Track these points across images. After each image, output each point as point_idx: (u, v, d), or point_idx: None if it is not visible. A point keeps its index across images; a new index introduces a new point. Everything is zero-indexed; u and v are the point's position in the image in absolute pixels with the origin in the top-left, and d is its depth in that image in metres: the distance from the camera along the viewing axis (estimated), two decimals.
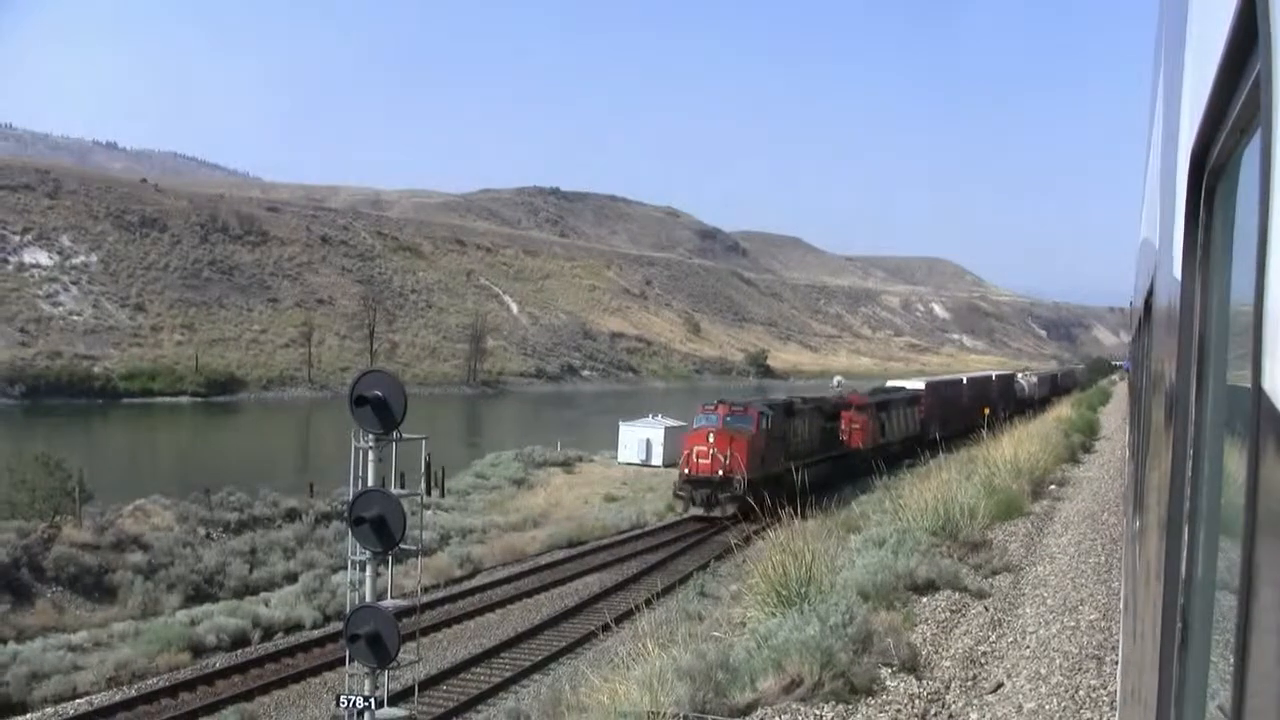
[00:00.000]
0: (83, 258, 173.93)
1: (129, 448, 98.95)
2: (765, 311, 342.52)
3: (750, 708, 12.07)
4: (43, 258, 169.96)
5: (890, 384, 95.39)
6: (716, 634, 16.90)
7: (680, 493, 51.90)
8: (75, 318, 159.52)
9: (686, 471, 51.60)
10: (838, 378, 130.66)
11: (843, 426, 65.21)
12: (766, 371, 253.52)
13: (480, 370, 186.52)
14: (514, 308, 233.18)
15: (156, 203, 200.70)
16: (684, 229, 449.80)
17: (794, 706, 11.89)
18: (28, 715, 25.22)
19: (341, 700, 17.24)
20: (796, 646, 12.75)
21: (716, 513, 49.84)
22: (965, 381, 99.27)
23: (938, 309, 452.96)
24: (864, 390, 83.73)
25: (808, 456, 55.07)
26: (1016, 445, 36.50)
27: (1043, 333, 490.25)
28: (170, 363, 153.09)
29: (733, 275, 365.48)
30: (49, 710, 25.28)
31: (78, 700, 26.47)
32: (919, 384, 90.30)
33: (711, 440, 50.90)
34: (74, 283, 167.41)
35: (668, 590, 34.80)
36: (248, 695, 26.48)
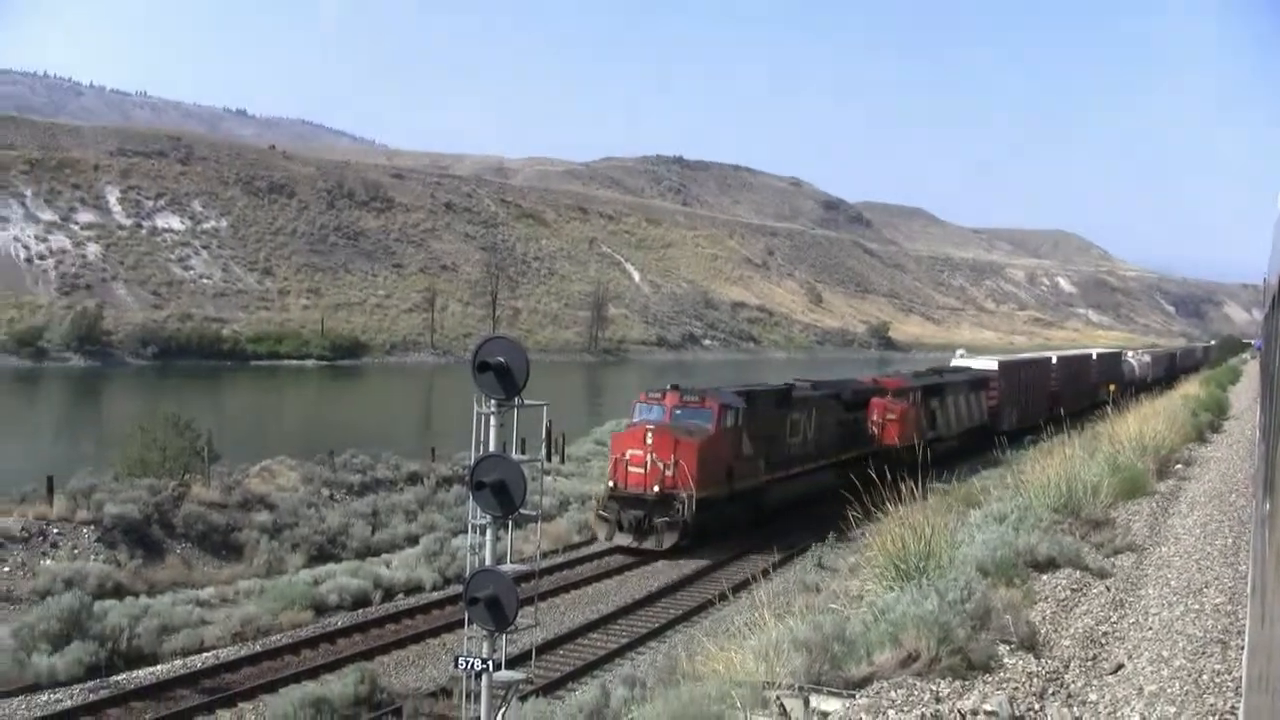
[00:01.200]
0: (213, 223, 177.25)
1: (256, 409, 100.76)
2: (888, 283, 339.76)
3: (866, 681, 12.03)
4: (175, 223, 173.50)
5: (956, 362, 79.38)
6: (834, 606, 16.86)
7: (604, 513, 38.27)
8: (205, 281, 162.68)
9: (613, 484, 38.34)
10: (960, 350, 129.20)
11: (873, 418, 53.75)
12: (888, 344, 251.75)
13: (601, 338, 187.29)
14: (636, 276, 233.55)
15: (285, 169, 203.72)
16: (807, 199, 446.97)
17: (910, 681, 11.83)
18: (158, 666, 25.80)
19: (460, 662, 17.40)
20: (914, 621, 12.67)
21: (650, 544, 37.15)
22: (1054, 361, 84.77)
23: (1063, 283, 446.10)
24: (908, 370, 70.54)
25: (816, 460, 46.92)
26: (1142, 423, 35.85)
27: (1171, 309, 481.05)
28: (296, 326, 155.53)
29: (855, 246, 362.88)
30: (178, 662, 25.83)
31: (204, 654, 27.02)
32: (989, 363, 75.21)
33: (649, 442, 37.65)
34: (204, 247, 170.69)
35: (786, 561, 34.83)
36: (368, 654, 26.86)
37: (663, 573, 36.05)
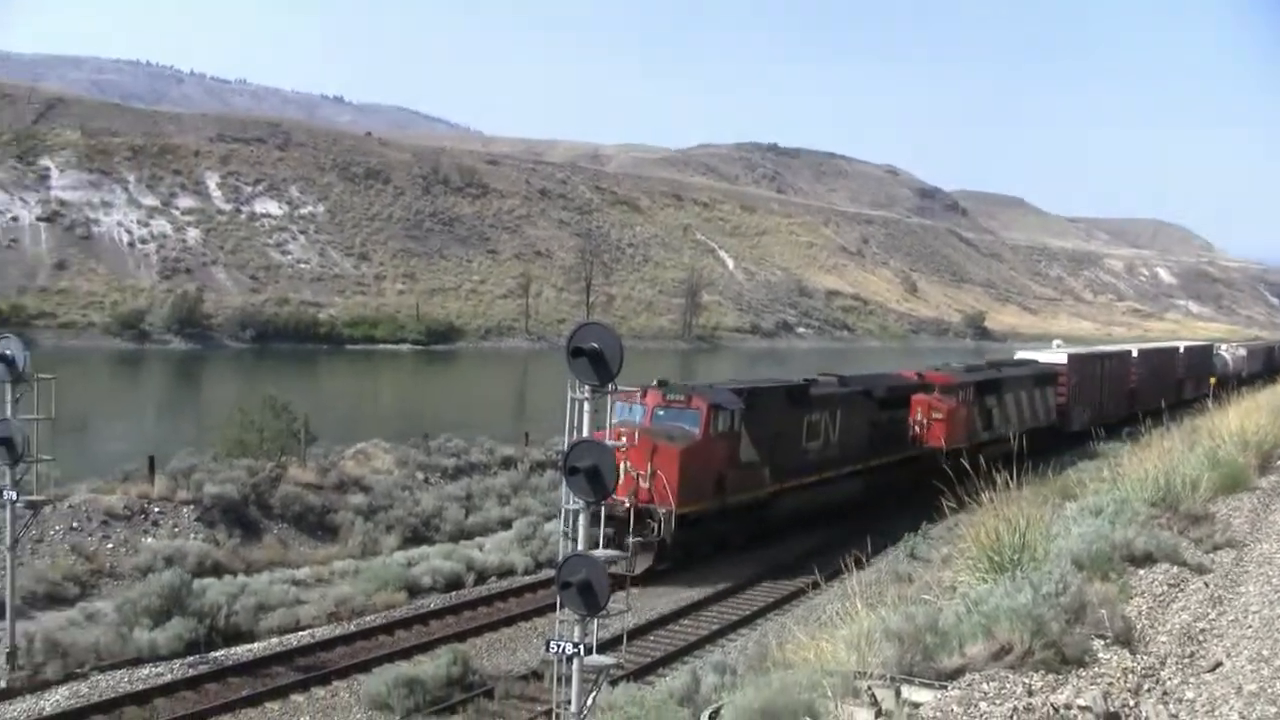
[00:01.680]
0: (310, 208, 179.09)
1: (351, 393, 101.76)
2: (984, 272, 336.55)
3: (958, 672, 11.97)
4: (273, 208, 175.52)
5: (1020, 354, 71.51)
6: (926, 597, 16.78)
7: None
8: (303, 266, 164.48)
9: None
10: (1056, 341, 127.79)
11: (916, 418, 48.69)
12: (984, 333, 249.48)
13: (695, 325, 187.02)
14: (730, 263, 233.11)
15: (381, 155, 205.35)
16: (903, 187, 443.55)
17: (1002, 674, 11.76)
18: (254, 644, 26.21)
19: (551, 645, 17.54)
20: (1007, 613, 12.59)
21: (620, 568, 32.92)
22: (1134, 355, 77.42)
23: (1163, 274, 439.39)
24: (958, 364, 61.87)
25: (840, 466, 42.18)
26: (1243, 417, 35.31)
27: (1276, 301, 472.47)
28: (392, 311, 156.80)
29: (951, 235, 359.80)
30: (274, 640, 26.22)
31: (300, 632, 27.43)
32: (1058, 355, 68.89)
33: (623, 449, 32.75)
34: (302, 232, 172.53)
35: (879, 551, 34.60)
36: (460, 636, 27.12)
37: (754, 561, 36.03)
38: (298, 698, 23.10)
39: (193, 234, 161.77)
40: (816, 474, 40.47)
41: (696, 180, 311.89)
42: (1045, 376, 61.49)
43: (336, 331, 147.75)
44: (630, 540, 29.75)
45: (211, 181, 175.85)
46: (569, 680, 17.62)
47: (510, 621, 28.47)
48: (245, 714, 22.14)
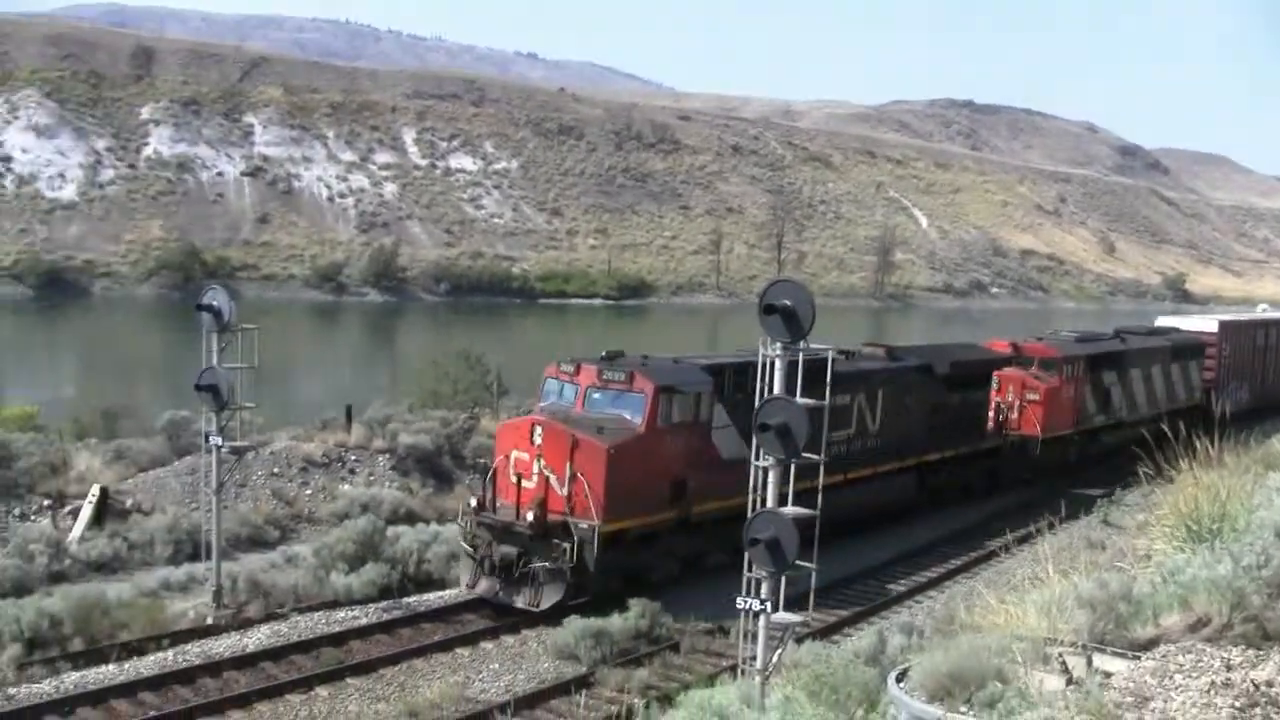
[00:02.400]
0: (504, 163, 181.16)
1: (544, 346, 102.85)
2: (1185, 233, 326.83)
3: (1152, 643, 11.71)
4: (468, 163, 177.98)
5: (1161, 321, 58.46)
6: (1120, 564, 16.44)
7: (472, 541, 25.90)
8: (496, 220, 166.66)
9: (476, 503, 26.23)
10: (1263, 305, 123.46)
11: (1005, 398, 40.44)
12: (1184, 296, 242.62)
13: (887, 283, 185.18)
14: (923, 221, 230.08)
15: (574, 111, 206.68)
16: (1101, 145, 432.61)
17: (1199, 646, 11.44)
18: (445, 591, 26.71)
19: (739, 602, 17.61)
20: (1205, 584, 12.27)
21: (520, 600, 24.87)
22: None
23: None
24: (1069, 332, 49.76)
25: (882, 461, 33.55)
26: None
27: None
28: (584, 266, 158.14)
29: (1152, 194, 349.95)
30: (464, 589, 26.67)
31: None
32: (1206, 322, 57.09)
33: (538, 443, 25.54)
34: (496, 187, 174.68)
35: (1071, 516, 33.81)
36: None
37: (944, 521, 35.57)
38: (487, 645, 23.49)
39: (389, 189, 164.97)
40: (843, 472, 30.71)
41: (890, 137, 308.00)
42: (1188, 348, 51.15)
43: (529, 286, 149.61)
44: (536, 565, 24.53)
45: (408, 137, 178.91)
46: (755, 636, 17.67)
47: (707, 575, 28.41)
48: (437, 658, 22.59)
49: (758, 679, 17.27)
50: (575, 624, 23.43)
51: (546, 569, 24.66)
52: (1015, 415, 40.46)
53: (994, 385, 40.31)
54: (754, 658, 17.68)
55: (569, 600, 24.69)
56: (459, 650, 23.17)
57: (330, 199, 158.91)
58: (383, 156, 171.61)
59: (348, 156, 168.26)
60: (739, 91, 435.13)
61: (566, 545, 24.52)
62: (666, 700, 19.33)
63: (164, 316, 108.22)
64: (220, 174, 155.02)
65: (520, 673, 21.95)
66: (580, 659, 22.69)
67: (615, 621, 23.67)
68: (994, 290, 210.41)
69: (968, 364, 38.62)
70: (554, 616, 24.28)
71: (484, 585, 25.47)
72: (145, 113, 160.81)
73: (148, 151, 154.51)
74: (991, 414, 40.18)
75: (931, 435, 35.85)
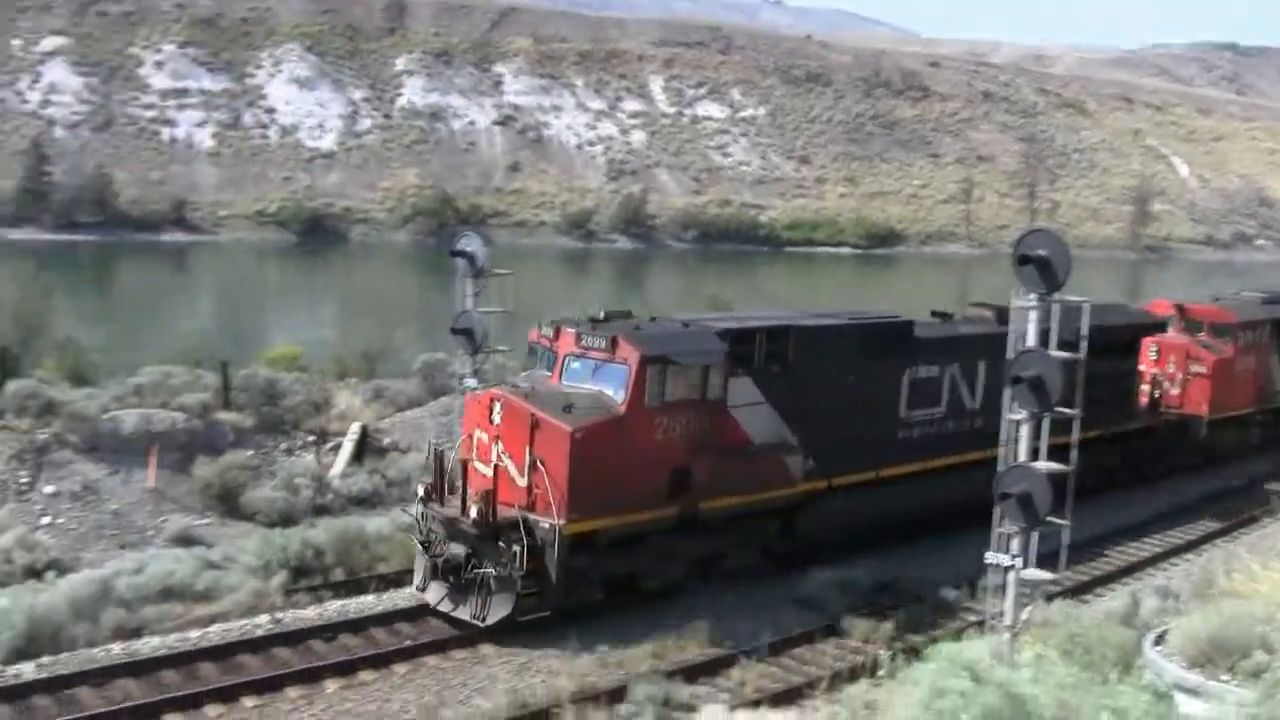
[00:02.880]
0: (751, 111, 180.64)
1: (789, 295, 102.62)
2: None
3: None
4: (715, 110, 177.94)
5: None
6: None
7: (418, 532, 22.61)
8: (744, 168, 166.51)
9: (424, 492, 22.94)
10: None
11: (1162, 370, 34.81)
12: None
13: (1144, 235, 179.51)
14: (1183, 170, 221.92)
15: (821, 58, 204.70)
16: None
17: None
18: None
19: (988, 557, 17.43)
20: None
21: (464, 612, 21.23)
22: None
23: None
24: (1254, 292, 42.37)
25: (975, 446, 26.87)
26: None
27: None
28: (831, 214, 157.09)
29: None
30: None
31: None
32: None
33: (497, 423, 21.80)
34: (743, 135, 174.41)
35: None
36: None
37: (1202, 482, 34.39)
38: (730, 596, 23.67)
39: (637, 136, 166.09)
40: (922, 460, 27.32)
41: (1147, 82, 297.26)
42: None
43: (776, 234, 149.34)
44: (484, 570, 20.95)
45: (655, 85, 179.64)
46: (1003, 592, 17.47)
47: (942, 534, 27.93)
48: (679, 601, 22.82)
49: (1007, 635, 17.09)
50: (822, 574, 23.52)
51: (502, 577, 20.77)
52: (1176, 390, 34.63)
53: (1151, 354, 34.58)
54: (1002, 614, 17.49)
55: (520, 616, 21.04)
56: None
57: (579, 147, 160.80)
58: (630, 104, 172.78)
59: (596, 105, 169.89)
60: (989, 36, 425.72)
61: (516, 548, 20.51)
62: (913, 653, 19.26)
63: (419, 262, 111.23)
64: (472, 123, 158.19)
65: (764, 621, 22.04)
66: (824, 609, 22.73)
67: (859, 572, 23.70)
68: (1259, 242, 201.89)
69: (1108, 329, 29.62)
70: (518, 631, 20.97)
71: (434, 590, 21.79)
72: (399, 64, 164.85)
73: (402, 102, 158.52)
74: (1146, 388, 34.16)
75: (1097, 412, 28.13)
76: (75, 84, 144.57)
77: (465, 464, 21.88)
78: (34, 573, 23.19)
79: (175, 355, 37.90)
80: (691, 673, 19.70)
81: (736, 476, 23.28)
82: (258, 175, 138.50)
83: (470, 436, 22.43)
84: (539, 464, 21.01)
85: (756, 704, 18.37)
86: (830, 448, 24.85)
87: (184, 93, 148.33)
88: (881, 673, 19.13)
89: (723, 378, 23.05)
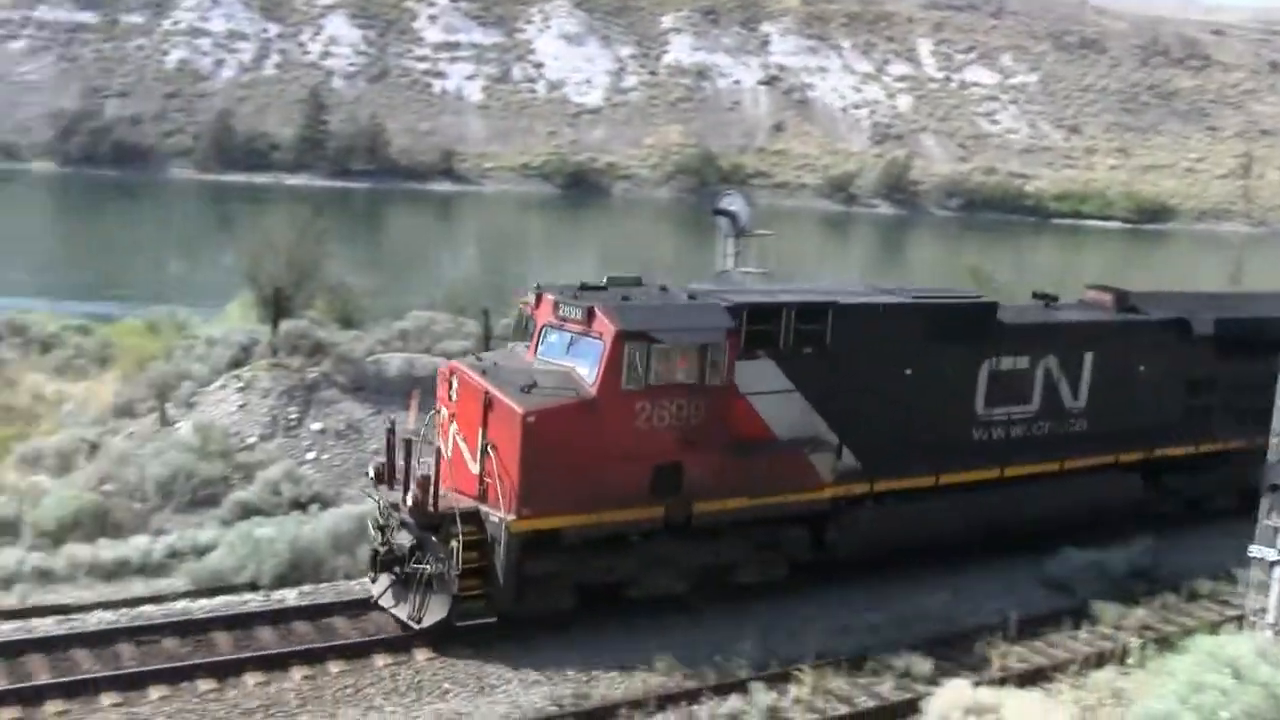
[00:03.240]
0: (1021, 78, 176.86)
1: (1054, 268, 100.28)
2: None
3: None
4: (984, 76, 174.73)
5: None
6: None
7: (384, 522, 19.70)
8: (1011, 136, 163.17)
9: (373, 473, 20.56)
10: None
11: None
12: None
13: None
14: None
15: (1096, 24, 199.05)
16: None
17: None
18: None
19: (1251, 550, 16.76)
20: None
21: (402, 611, 18.99)
22: None
23: None
24: None
25: (1077, 450, 24.62)
26: None
27: None
28: (1101, 186, 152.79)
29: None
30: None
31: None
32: None
33: (454, 399, 19.61)
34: (1012, 102, 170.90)
35: None
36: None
37: None
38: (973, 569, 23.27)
39: (903, 101, 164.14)
40: (1000, 466, 23.57)
41: None
42: None
43: (1042, 205, 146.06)
44: (425, 559, 18.63)
45: (924, 49, 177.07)
46: (1268, 588, 16.78)
47: (1199, 523, 26.76)
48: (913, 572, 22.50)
49: (1269, 633, 16.39)
50: (1072, 556, 22.91)
51: (436, 575, 18.51)
52: None
53: None
54: (1264, 610, 16.77)
55: (460, 620, 18.78)
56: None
57: (844, 110, 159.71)
58: (898, 68, 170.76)
59: (863, 67, 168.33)
60: None
61: (454, 543, 18.20)
62: (1165, 643, 18.66)
63: (679, 219, 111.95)
64: (737, 82, 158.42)
65: (1011, 600, 21.56)
66: (1074, 590, 22.18)
67: (1118, 556, 22.97)
68: None
69: (1249, 323, 27.32)
70: (461, 637, 18.82)
71: (380, 583, 19.55)
72: (666, 22, 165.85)
73: (668, 59, 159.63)
74: None
75: (1183, 420, 26.34)
76: (354, 36, 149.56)
77: (409, 444, 19.30)
78: (299, 505, 24.24)
79: (439, 302, 38.76)
80: (934, 646, 19.42)
81: (748, 475, 20.12)
82: (524, 129, 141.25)
83: (437, 412, 20.05)
84: (490, 449, 18.52)
85: (1001, 682, 18.04)
86: (875, 447, 21.62)
87: (455, 46, 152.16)
88: (1131, 661, 18.60)
89: (727, 360, 19.69)
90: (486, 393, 18.45)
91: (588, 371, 18.69)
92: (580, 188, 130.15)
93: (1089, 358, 24.35)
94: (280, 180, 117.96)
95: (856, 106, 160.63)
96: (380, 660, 18.10)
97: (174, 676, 16.96)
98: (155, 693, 16.59)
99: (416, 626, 18.57)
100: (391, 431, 20.38)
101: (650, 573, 19.82)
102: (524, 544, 18.38)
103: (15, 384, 32.88)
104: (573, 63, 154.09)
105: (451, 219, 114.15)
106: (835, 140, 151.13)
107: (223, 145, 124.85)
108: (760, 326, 20.08)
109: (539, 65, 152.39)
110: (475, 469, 18.72)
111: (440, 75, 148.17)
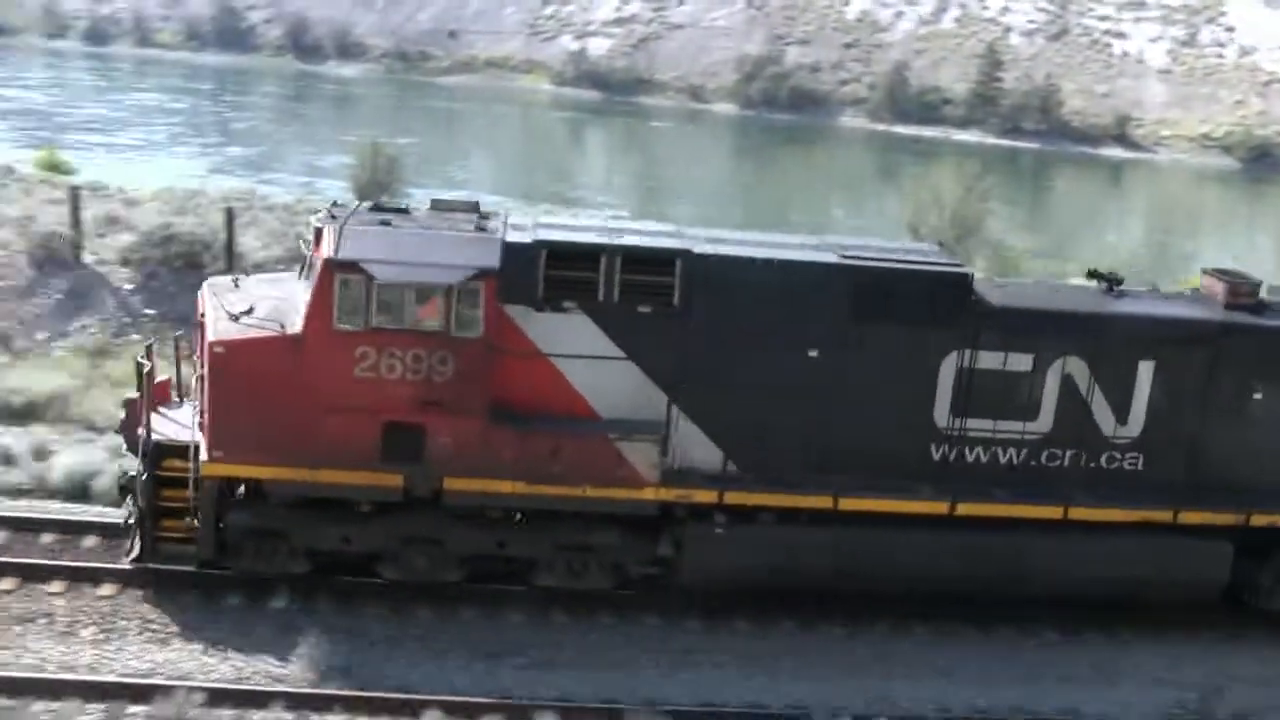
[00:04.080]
0: None
1: None
2: None
3: None
4: None
5: None
6: None
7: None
8: None
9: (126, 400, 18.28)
10: None
11: None
12: None
13: None
14: None
15: None
16: None
17: None
18: None
19: None
20: None
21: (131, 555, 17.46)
22: None
23: None
24: None
25: (1133, 495, 17.82)
26: None
27: None
28: None
29: None
30: None
31: None
32: None
33: (200, 319, 17.11)
34: None
35: None
36: None
37: None
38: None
39: None
40: (972, 500, 17.31)
41: None
42: None
43: None
44: (136, 500, 16.82)
45: None
46: None
47: None
48: None
49: None
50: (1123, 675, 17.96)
51: (139, 518, 16.89)
52: None
53: None
54: None
55: (155, 561, 17.01)
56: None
57: None
58: None
59: None
60: None
61: (131, 473, 16.75)
62: None
63: None
64: None
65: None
66: None
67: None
68: None
69: None
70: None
71: (124, 509, 17.85)
72: None
73: None
74: None
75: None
76: None
77: (139, 367, 17.25)
78: None
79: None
80: None
81: (527, 455, 16.37)
82: (1208, 96, 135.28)
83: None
84: (201, 380, 16.51)
85: None
86: (742, 445, 17.06)
87: (1141, 5, 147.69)
88: None
89: (485, 308, 16.03)
90: (200, 315, 16.73)
91: (300, 301, 16.35)
92: (1264, 163, 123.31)
93: (1146, 367, 17.48)
94: (948, 135, 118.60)
95: None
96: (56, 586, 17.14)
97: None
98: None
99: (126, 559, 17.18)
100: (148, 354, 17.64)
101: (407, 552, 17.01)
102: (221, 491, 16.69)
103: None
104: (1269, 28, 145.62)
105: (1121, 186, 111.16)
106: None
107: (896, 96, 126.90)
108: (566, 272, 16.32)
109: (1230, 29, 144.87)
110: (201, 407, 16.67)
111: (1122, 36, 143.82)
